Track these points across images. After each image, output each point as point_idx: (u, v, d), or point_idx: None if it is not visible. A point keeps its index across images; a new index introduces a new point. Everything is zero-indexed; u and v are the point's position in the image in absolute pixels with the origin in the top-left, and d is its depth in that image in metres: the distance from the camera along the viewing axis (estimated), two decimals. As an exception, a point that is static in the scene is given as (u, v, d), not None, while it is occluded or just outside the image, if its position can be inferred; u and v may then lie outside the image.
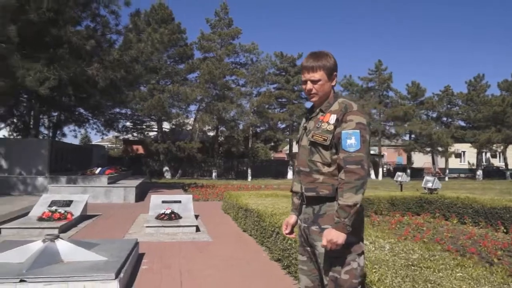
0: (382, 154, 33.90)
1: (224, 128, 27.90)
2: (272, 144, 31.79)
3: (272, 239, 4.86)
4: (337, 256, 1.95)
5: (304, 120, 2.30)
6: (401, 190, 12.03)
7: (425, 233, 6.00)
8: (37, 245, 3.98)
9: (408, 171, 31.04)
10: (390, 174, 32.21)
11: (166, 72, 25.43)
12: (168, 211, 7.06)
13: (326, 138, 2.01)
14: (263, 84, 28.67)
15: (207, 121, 25.03)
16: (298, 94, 30.10)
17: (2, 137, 19.06)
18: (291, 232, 2.38)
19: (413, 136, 32.18)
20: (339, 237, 1.87)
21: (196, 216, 8.12)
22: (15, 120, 19.50)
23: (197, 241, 5.96)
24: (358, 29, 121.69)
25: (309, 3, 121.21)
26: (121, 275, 3.67)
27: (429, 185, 8.91)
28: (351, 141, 1.93)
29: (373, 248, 3.44)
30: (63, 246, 4.03)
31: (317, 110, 2.15)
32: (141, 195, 12.09)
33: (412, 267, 2.89)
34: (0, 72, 11.04)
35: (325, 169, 2.03)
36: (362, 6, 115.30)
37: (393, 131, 32.21)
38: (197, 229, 6.70)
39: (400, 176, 12.12)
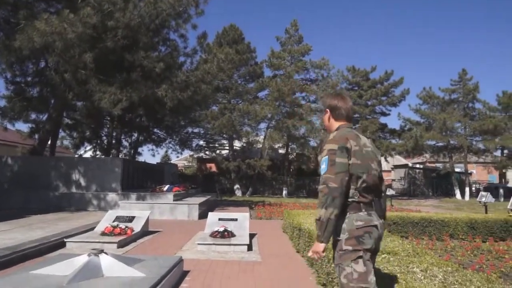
0: (469, 172, 30.88)
1: (295, 146, 27.63)
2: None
3: (320, 261, 4.50)
4: (337, 263, 2.30)
5: None
6: (486, 212, 10.69)
7: (505, 262, 5.13)
8: (82, 259, 4.06)
9: (501, 191, 27.83)
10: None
11: (236, 91, 26.05)
12: (222, 229, 6.97)
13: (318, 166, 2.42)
14: (334, 100, 27.96)
15: (276, 138, 24.97)
16: (372, 109, 28.87)
17: (78, 156, 20.88)
18: None
19: (505, 151, 28.88)
20: (316, 247, 2.25)
21: (253, 235, 7.95)
22: (99, 141, 21.28)
23: (245, 260, 5.75)
24: (437, 37, 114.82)
25: (382, 14, 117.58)
26: (154, 293, 3.58)
27: (517, 206, 7.74)
28: (323, 166, 2.28)
29: (422, 277, 2.96)
30: (105, 261, 4.07)
31: None
32: (207, 212, 12.23)
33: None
34: (81, 95, 12.12)
35: None
36: (438, 12, 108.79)
37: (481, 146, 29.24)
38: (249, 248, 6.50)
39: (484, 197, 10.78)
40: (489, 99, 61.96)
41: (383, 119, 30.22)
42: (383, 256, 3.86)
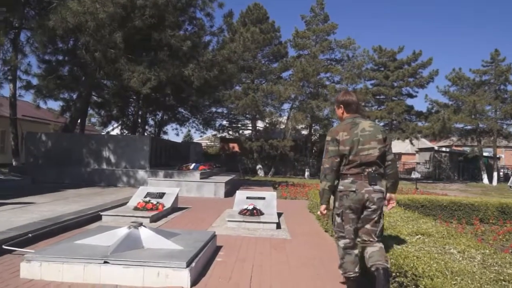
0: (498, 156, 30.05)
1: (318, 127, 27.45)
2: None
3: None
4: (332, 212, 3.33)
5: None
6: (517, 196, 10.48)
7: (540, 247, 5.08)
8: (123, 231, 4.25)
9: (530, 176, 27.11)
10: (508, 179, 28.35)
11: (260, 71, 25.91)
12: (251, 207, 7.10)
13: None
14: (360, 81, 27.37)
15: (300, 119, 24.85)
16: (398, 90, 28.26)
17: (107, 134, 21.31)
18: None
19: (537, 136, 27.89)
20: (320, 207, 3.30)
21: (280, 214, 8.06)
22: (125, 120, 21.72)
23: (275, 237, 5.88)
24: (468, 16, 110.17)
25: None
26: (193, 264, 3.73)
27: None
28: (324, 152, 3.23)
29: (460, 258, 2.98)
30: (145, 233, 4.26)
31: None
32: (232, 191, 12.44)
33: (503, 282, 2.41)
34: (110, 74, 12.34)
35: None
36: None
37: (512, 130, 28.34)
38: (278, 226, 6.62)
39: (516, 181, 10.55)
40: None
41: (409, 101, 29.64)
42: (417, 236, 3.89)
